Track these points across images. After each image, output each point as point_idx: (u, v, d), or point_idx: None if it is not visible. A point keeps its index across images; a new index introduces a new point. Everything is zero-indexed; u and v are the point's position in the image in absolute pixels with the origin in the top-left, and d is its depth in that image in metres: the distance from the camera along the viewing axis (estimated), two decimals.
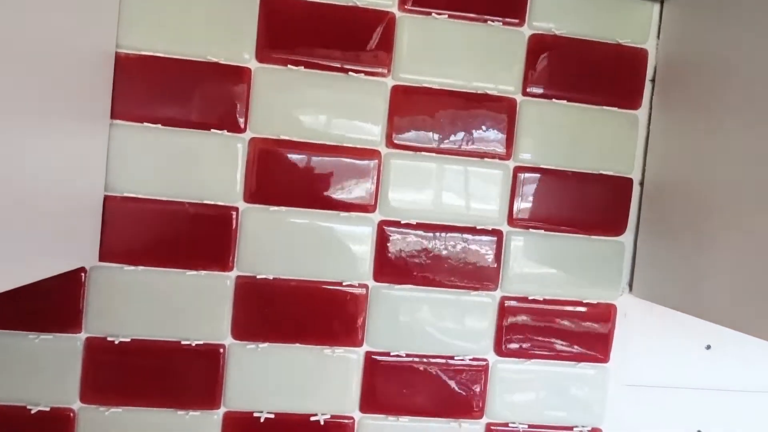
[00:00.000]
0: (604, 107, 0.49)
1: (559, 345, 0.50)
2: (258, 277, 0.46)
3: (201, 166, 0.45)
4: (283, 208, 0.46)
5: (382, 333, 0.48)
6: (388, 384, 0.48)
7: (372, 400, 0.48)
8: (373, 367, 0.48)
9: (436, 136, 0.47)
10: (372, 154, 0.47)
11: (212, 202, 0.45)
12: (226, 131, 0.45)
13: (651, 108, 0.49)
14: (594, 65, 0.48)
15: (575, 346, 0.50)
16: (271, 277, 0.46)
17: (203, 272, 0.45)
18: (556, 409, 0.50)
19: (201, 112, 0.44)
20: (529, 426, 0.50)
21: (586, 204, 0.49)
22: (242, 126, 0.45)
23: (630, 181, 0.50)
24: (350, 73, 0.46)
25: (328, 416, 0.47)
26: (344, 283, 0.47)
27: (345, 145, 0.46)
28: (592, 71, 0.49)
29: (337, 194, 0.46)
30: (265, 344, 0.46)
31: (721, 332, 0.51)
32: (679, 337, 0.52)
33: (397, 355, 0.48)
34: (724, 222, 0.40)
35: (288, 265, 0.46)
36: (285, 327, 0.46)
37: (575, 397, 0.50)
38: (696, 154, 0.44)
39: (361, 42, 0.46)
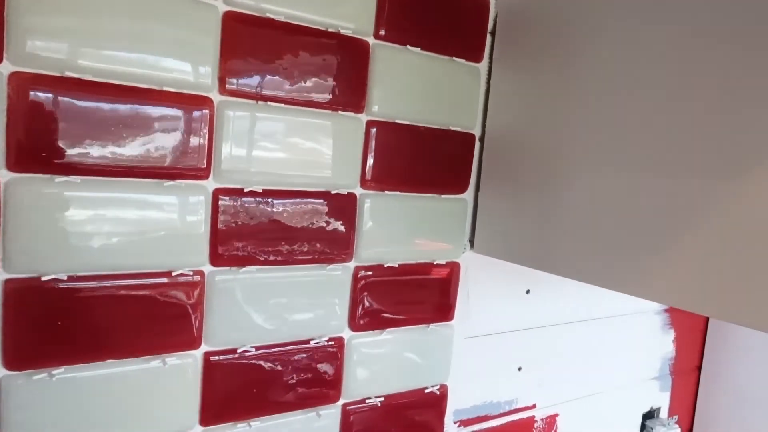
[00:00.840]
0: (454, 58, 0.46)
1: (411, 310, 0.48)
2: (43, 278, 0.32)
3: None
4: (77, 179, 0.32)
5: (223, 328, 0.38)
6: (235, 386, 0.39)
7: (215, 410, 0.39)
8: (213, 370, 0.38)
9: (281, 82, 0.38)
10: (201, 102, 0.36)
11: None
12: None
13: (491, 61, 0.49)
14: (443, 12, 0.45)
15: (427, 309, 0.48)
16: (63, 277, 0.32)
17: None
18: (409, 375, 0.48)
19: None
20: (385, 398, 0.47)
21: (436, 161, 0.47)
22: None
23: (473, 136, 0.49)
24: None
25: None
26: (174, 273, 0.36)
27: (163, 89, 0.34)
28: (441, 18, 0.45)
29: (157, 158, 0.34)
30: (61, 369, 0.33)
31: (538, 277, 0.56)
32: (504, 285, 0.55)
33: (244, 351, 0.39)
34: (564, 175, 0.42)
35: (92, 257, 0.33)
36: (93, 341, 0.34)
37: (425, 359, 0.49)
38: (535, 108, 0.45)
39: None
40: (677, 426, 0.74)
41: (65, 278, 0.32)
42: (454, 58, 0.46)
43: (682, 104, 0.35)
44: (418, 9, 0.44)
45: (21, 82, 0.30)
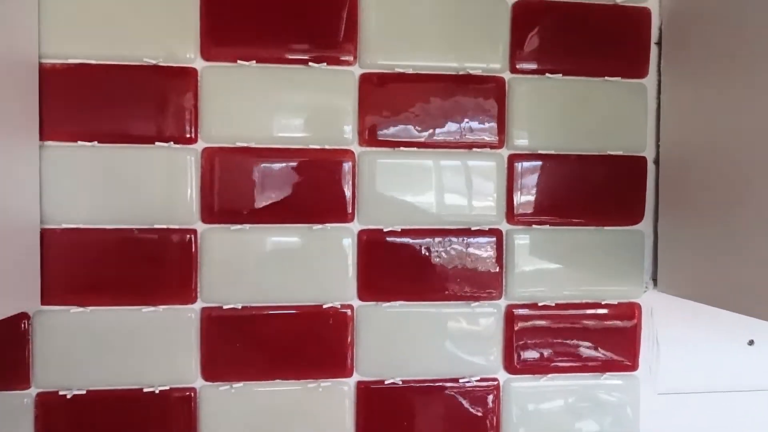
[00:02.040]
0: (606, 78, 0.43)
1: (579, 354, 0.43)
2: (225, 307, 0.40)
3: (148, 186, 0.39)
4: (247, 226, 0.40)
5: (373, 359, 0.41)
6: (385, 416, 0.42)
7: None
8: (366, 398, 0.41)
9: (415, 129, 0.41)
10: (344, 154, 0.41)
11: (165, 226, 0.39)
12: (173, 143, 0.39)
13: (659, 74, 0.43)
14: (590, 31, 0.42)
15: (598, 354, 0.43)
16: (239, 306, 0.40)
17: (162, 307, 0.39)
18: (582, 428, 0.43)
19: (142, 123, 0.39)
20: None
21: (595, 190, 0.43)
22: (192, 135, 0.39)
23: (643, 159, 0.43)
24: (311, 64, 0.40)
25: None
26: (325, 306, 0.41)
27: (312, 147, 0.40)
28: (588, 38, 0.42)
29: (307, 205, 0.40)
30: (240, 384, 0.40)
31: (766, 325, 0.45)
32: (716, 333, 0.46)
33: (393, 383, 0.42)
34: (756, 198, 0.34)
35: (258, 291, 0.40)
36: (260, 362, 0.40)
37: (603, 412, 0.44)
38: (716, 123, 0.38)
39: (320, 26, 0.40)
40: None
41: (240, 308, 0.40)
42: (608, 78, 0.42)
43: None
44: (559, 35, 0.42)
45: (210, 154, 0.39)
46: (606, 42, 0.42)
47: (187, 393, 0.40)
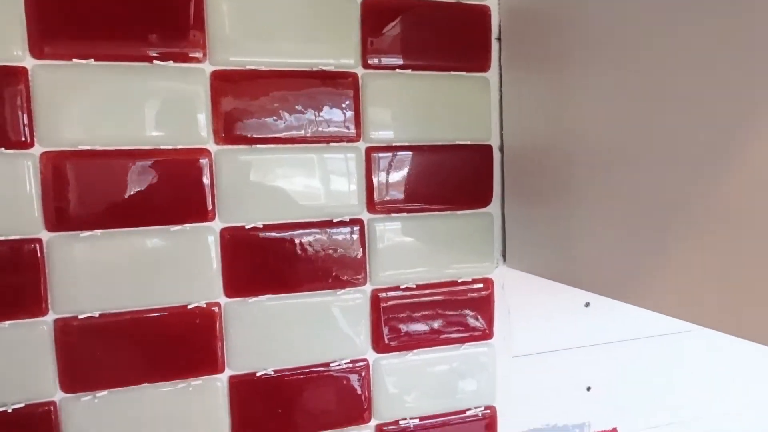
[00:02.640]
0: (453, 72, 0.45)
1: (441, 329, 0.47)
2: (80, 317, 0.39)
3: None
4: (99, 232, 0.39)
5: (244, 353, 0.42)
6: (260, 407, 0.43)
7: (244, 429, 0.42)
8: (240, 391, 0.42)
9: (272, 126, 0.41)
10: (200, 153, 0.40)
11: (5, 237, 0.37)
12: (3, 149, 0.36)
13: (501, 68, 0.47)
14: (435, 29, 0.45)
15: (457, 328, 0.47)
16: (97, 315, 0.39)
17: (6, 323, 0.37)
18: (446, 396, 0.47)
19: None
20: (421, 419, 0.47)
21: (447, 178, 0.46)
22: (27, 140, 0.37)
23: (489, 148, 0.47)
24: (156, 62, 0.39)
25: None
26: (190, 306, 0.41)
27: (164, 147, 0.39)
28: (434, 35, 0.45)
29: (163, 206, 0.40)
30: (104, 392, 0.39)
31: None
32: (558, 298, 0.51)
33: (265, 374, 0.43)
34: (589, 181, 0.38)
35: (117, 297, 0.39)
36: (127, 368, 0.40)
37: (464, 380, 0.48)
38: (552, 112, 0.42)
39: (165, 21, 0.39)
40: None
41: (97, 316, 0.39)
42: (454, 72, 0.45)
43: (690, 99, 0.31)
44: (407, 31, 0.44)
45: (50, 159, 0.37)
46: (450, 38, 0.45)
47: (47, 408, 0.38)
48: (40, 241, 0.38)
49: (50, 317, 0.38)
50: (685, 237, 0.30)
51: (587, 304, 0.52)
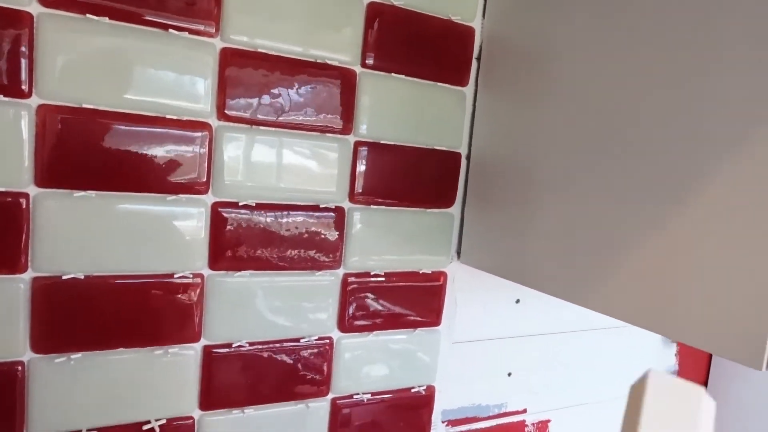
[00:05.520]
0: (437, 83, 0.50)
1: (398, 314, 0.51)
2: (64, 277, 0.38)
3: None
4: (92, 193, 0.38)
5: (221, 324, 0.44)
6: (230, 377, 0.44)
7: (213, 397, 0.44)
8: (211, 361, 0.44)
9: (273, 109, 0.43)
10: (201, 126, 0.41)
11: None
12: (1, 96, 0.35)
13: (476, 85, 0.52)
14: (428, 40, 0.49)
15: (412, 314, 0.52)
16: (81, 276, 0.38)
17: None
18: (395, 375, 0.52)
19: None
20: (372, 394, 0.51)
21: (421, 178, 0.51)
22: (26, 90, 0.35)
23: (458, 155, 0.53)
24: (171, 30, 0.39)
25: (164, 421, 0.42)
26: (176, 275, 0.41)
27: (169, 116, 0.40)
28: (426, 46, 0.49)
29: (160, 174, 0.40)
30: (79, 354, 0.39)
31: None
32: (495, 295, 0.58)
33: (239, 346, 0.44)
34: (542, 193, 0.45)
35: (104, 260, 0.39)
36: (105, 332, 0.39)
37: (412, 361, 0.53)
38: (514, 131, 0.48)
39: None
40: None
41: (82, 277, 0.38)
42: (438, 83, 0.50)
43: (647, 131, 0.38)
44: (403, 39, 0.48)
45: (47, 112, 0.36)
46: (440, 52, 0.50)
47: (15, 367, 0.37)
48: (27, 195, 0.36)
49: (28, 275, 0.37)
50: (617, 247, 0.37)
51: (518, 301, 0.60)
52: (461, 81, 0.51)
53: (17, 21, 0.35)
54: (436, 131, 0.51)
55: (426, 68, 0.49)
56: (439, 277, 0.54)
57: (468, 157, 0.53)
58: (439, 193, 0.52)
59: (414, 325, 0.53)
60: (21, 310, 0.37)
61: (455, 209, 0.53)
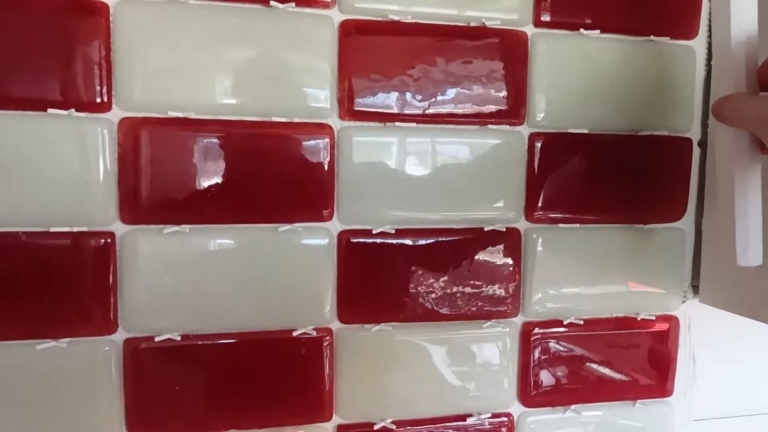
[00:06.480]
0: (650, 38, 0.34)
1: (607, 380, 0.35)
2: (157, 339, 0.29)
3: (39, 173, 0.27)
4: (186, 228, 0.29)
5: (356, 398, 0.32)
6: None
7: None
8: None
9: (413, 98, 0.31)
10: (320, 130, 0.30)
11: (67, 229, 0.28)
12: (74, 110, 0.27)
13: (710, 36, 0.35)
14: None
15: (628, 379, 0.36)
16: (177, 337, 0.29)
17: (64, 342, 0.28)
18: None
19: (30, 82, 0.27)
20: None
21: (630, 180, 0.35)
22: (104, 100, 0.28)
23: (688, 142, 0.35)
24: (273, 3, 0.29)
25: None
26: (296, 333, 0.31)
27: (275, 119, 0.30)
28: None
29: (271, 198, 0.30)
30: None
31: None
32: (754, 347, 0.39)
33: (384, 428, 0.32)
34: None
35: (205, 316, 0.30)
36: (200, 407, 0.30)
37: None
38: None
39: None
40: None
41: (178, 338, 0.29)
42: (651, 37, 0.34)
43: None
44: None
45: (130, 127, 0.28)
46: None
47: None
48: (112, 235, 0.28)
49: (120, 336, 0.29)
50: None
51: None
52: (688, 31, 0.35)
53: (92, 14, 0.27)
54: (652, 109, 0.34)
55: (630, 16, 0.33)
56: (667, 323, 0.36)
57: (702, 144, 0.36)
58: (659, 199, 0.35)
59: (632, 394, 0.36)
60: (115, 378, 0.29)
61: (686, 223, 0.36)
